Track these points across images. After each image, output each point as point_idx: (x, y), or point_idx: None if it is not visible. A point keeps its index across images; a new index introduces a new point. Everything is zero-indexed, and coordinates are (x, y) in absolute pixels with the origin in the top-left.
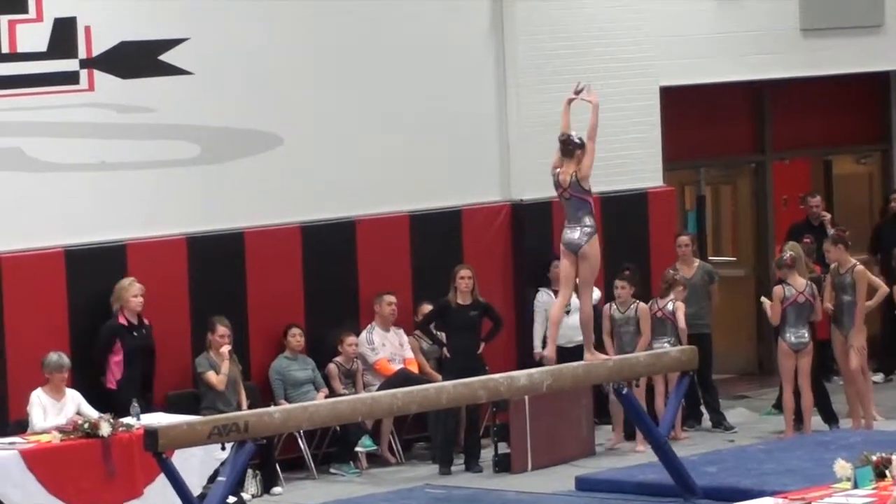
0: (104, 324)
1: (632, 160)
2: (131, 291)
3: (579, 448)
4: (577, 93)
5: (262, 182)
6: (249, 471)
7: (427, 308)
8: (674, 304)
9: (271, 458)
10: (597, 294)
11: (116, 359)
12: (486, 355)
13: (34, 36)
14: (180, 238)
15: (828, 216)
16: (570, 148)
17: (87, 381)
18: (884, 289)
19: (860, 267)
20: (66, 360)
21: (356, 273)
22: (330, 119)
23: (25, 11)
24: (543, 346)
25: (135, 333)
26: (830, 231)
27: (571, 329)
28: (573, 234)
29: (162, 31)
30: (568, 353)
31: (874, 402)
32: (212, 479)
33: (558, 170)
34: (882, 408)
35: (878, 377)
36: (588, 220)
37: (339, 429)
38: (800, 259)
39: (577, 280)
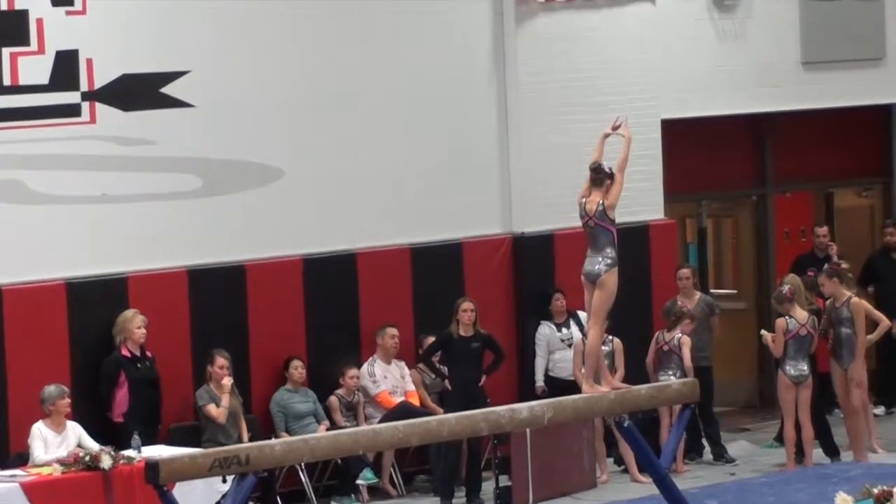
0: (107, 357)
1: (633, 193)
2: (135, 323)
3: (581, 481)
4: (615, 128)
5: (264, 214)
6: (251, 503)
7: (431, 341)
8: (680, 339)
9: (272, 490)
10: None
11: (121, 392)
12: (488, 388)
13: (36, 68)
14: (181, 270)
15: (834, 247)
16: (600, 177)
17: (91, 414)
18: (885, 322)
19: (856, 299)
20: (64, 387)
21: (357, 306)
22: (331, 152)
23: (28, 44)
24: (545, 380)
25: (138, 365)
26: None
27: (570, 361)
28: (593, 265)
29: (163, 63)
30: (569, 386)
31: (876, 435)
32: None
33: (585, 199)
34: (883, 440)
35: (880, 410)
36: (609, 251)
37: (340, 461)
38: (799, 291)
39: (591, 308)
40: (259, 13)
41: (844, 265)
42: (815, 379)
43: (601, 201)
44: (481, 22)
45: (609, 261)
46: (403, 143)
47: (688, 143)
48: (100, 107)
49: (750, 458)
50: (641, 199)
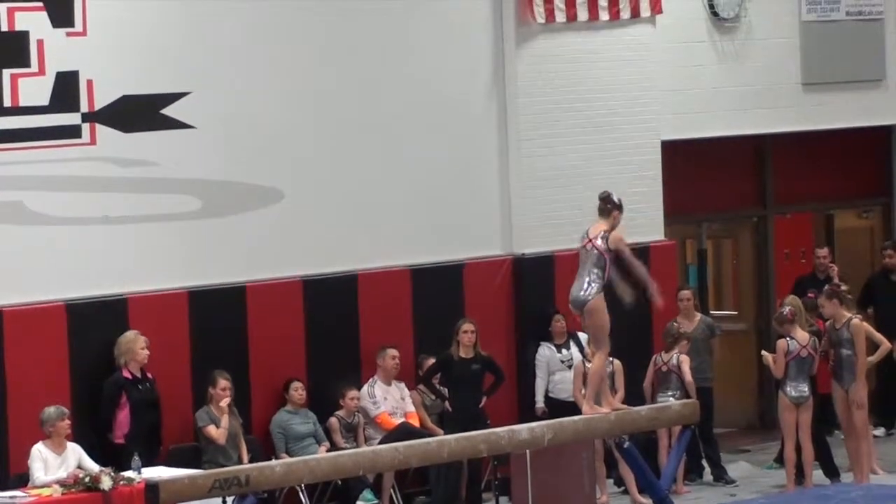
0: (108, 378)
1: (633, 214)
2: (139, 344)
3: (581, 502)
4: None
5: (264, 236)
6: None
7: (431, 362)
8: (678, 358)
9: None
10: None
11: (123, 413)
12: (488, 409)
13: (36, 90)
14: (182, 292)
15: (835, 269)
16: (607, 207)
17: (91, 435)
18: (886, 345)
19: (856, 320)
20: (63, 409)
21: (358, 327)
22: (331, 173)
23: (28, 65)
24: (545, 401)
25: (140, 387)
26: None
27: (570, 383)
28: (578, 290)
29: (163, 85)
30: (566, 407)
31: (876, 457)
32: None
33: (590, 226)
34: (883, 462)
35: (880, 431)
36: (597, 272)
37: (340, 482)
38: (800, 312)
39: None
40: (259, 35)
41: (844, 287)
42: (816, 400)
43: (606, 230)
44: (482, 44)
45: (595, 285)
46: (404, 165)
47: (688, 164)
48: (100, 128)
49: (750, 479)
50: (641, 220)
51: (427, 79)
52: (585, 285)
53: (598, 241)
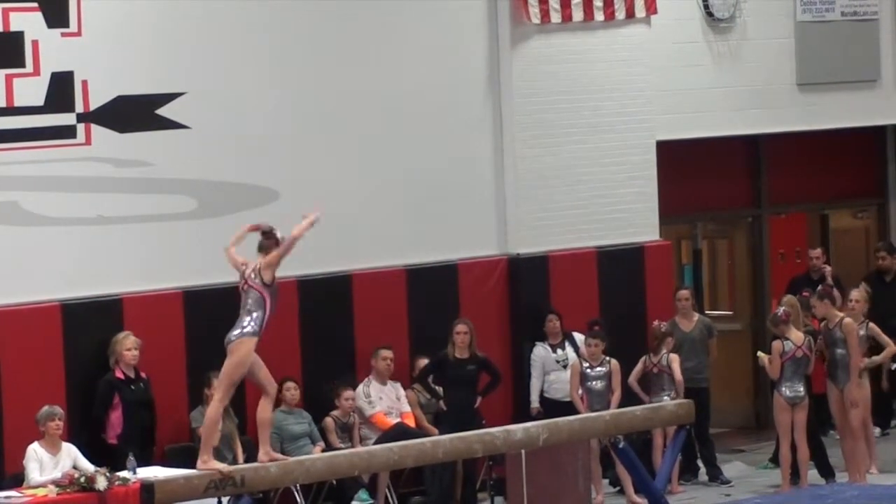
0: (101, 378)
1: (628, 214)
2: (125, 345)
3: (576, 502)
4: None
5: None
6: None
7: (424, 362)
8: (668, 358)
9: None
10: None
11: (116, 413)
12: (483, 409)
13: (32, 90)
14: (177, 292)
15: (828, 269)
16: (268, 242)
17: (86, 436)
18: (892, 347)
19: (848, 320)
20: (56, 408)
21: (353, 327)
22: (326, 173)
23: (23, 66)
24: (540, 401)
25: (132, 387)
26: (830, 283)
27: (565, 382)
28: (232, 330)
29: (159, 85)
30: (561, 407)
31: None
32: None
33: (245, 265)
34: (878, 461)
35: (875, 431)
36: (252, 317)
37: (335, 483)
38: (796, 312)
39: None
40: (254, 36)
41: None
42: (811, 400)
43: (259, 265)
44: (477, 44)
45: (250, 327)
46: (398, 165)
47: (683, 164)
48: (95, 128)
49: (745, 479)
50: (636, 220)
51: (422, 79)
52: (238, 328)
53: (256, 281)
